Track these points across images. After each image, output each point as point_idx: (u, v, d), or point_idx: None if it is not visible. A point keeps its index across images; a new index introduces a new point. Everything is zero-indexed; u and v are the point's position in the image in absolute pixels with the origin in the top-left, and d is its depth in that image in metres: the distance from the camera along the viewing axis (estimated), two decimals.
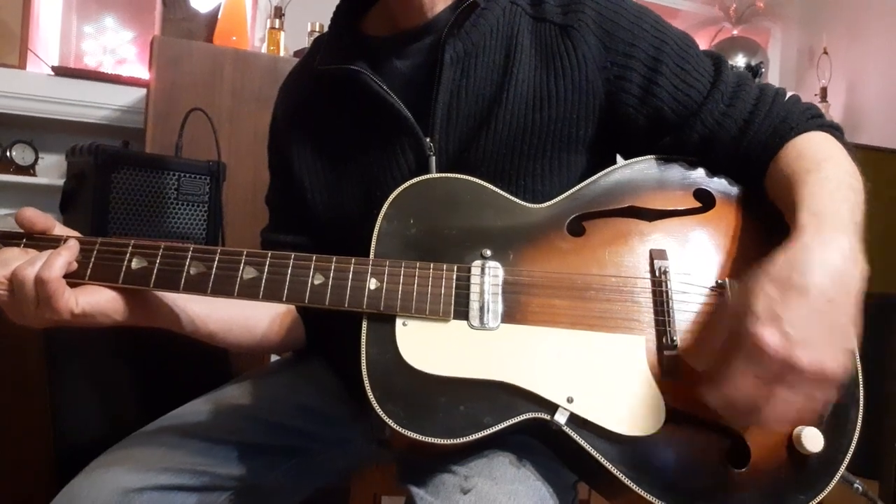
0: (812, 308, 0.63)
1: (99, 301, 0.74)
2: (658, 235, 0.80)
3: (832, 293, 0.64)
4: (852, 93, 2.74)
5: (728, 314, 0.69)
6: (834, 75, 2.74)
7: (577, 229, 0.81)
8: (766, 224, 0.80)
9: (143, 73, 2.01)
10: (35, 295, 0.71)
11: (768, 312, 0.63)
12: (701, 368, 0.70)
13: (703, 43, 2.80)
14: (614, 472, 0.69)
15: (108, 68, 2.28)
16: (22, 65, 2.11)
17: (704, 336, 0.73)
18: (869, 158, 2.09)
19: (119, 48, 2.34)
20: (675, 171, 0.85)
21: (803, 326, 0.62)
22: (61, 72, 2.10)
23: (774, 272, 0.66)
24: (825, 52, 2.76)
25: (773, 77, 3.00)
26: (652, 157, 0.86)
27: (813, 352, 0.62)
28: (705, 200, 0.83)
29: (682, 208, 0.82)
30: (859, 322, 0.65)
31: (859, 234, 0.70)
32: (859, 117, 2.69)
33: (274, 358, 1.18)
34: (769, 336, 0.62)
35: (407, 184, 0.80)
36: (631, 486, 0.68)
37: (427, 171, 0.88)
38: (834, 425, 0.73)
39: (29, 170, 2.07)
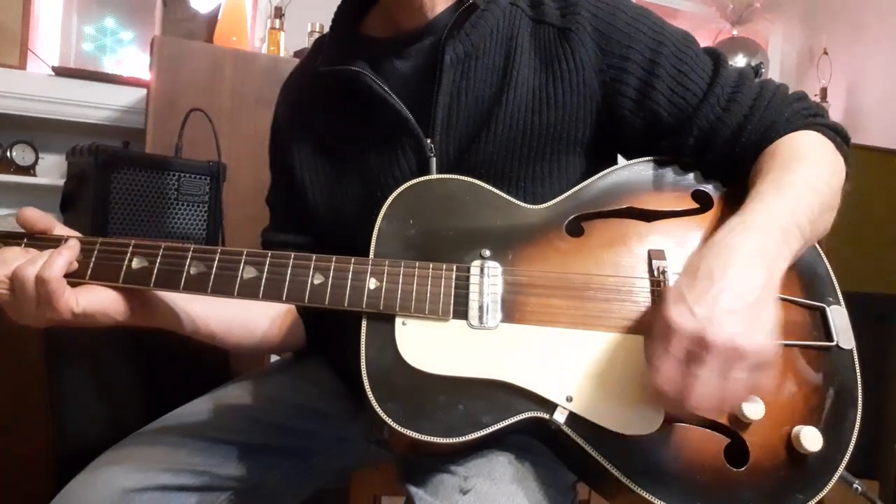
0: (717, 288, 0.65)
1: (99, 301, 0.75)
2: (656, 236, 0.80)
3: (736, 278, 0.66)
4: (852, 93, 2.74)
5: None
6: (834, 75, 2.74)
7: (575, 230, 0.81)
8: None
9: (144, 73, 2.01)
10: (36, 294, 0.71)
11: (676, 295, 0.66)
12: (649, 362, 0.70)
13: (703, 43, 2.79)
14: (613, 471, 0.69)
15: (109, 68, 2.28)
16: (22, 65, 2.11)
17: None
18: (869, 158, 2.10)
19: (119, 48, 2.34)
20: (674, 173, 0.85)
21: (710, 304, 0.64)
22: (61, 72, 2.10)
23: (686, 265, 0.69)
24: (825, 53, 2.76)
25: (772, 77, 2.97)
26: (650, 158, 0.86)
27: (723, 325, 0.63)
28: (703, 201, 0.83)
29: (680, 209, 0.82)
30: (772, 307, 0.66)
31: (790, 232, 0.72)
32: (859, 117, 2.69)
33: (274, 358, 1.19)
34: (676, 315, 0.64)
35: (406, 185, 0.81)
36: (629, 485, 0.68)
37: (427, 173, 0.88)
38: (833, 425, 0.73)
39: (29, 170, 2.08)
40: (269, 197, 1.06)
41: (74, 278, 0.74)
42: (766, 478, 0.71)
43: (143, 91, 1.96)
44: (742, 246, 0.68)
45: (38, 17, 2.20)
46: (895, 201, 1.94)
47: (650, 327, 0.69)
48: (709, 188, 0.84)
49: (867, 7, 2.72)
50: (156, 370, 1.27)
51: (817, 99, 2.69)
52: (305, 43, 2.14)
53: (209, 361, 1.17)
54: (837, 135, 0.84)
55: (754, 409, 0.71)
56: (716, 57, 0.88)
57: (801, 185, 0.75)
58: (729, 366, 0.64)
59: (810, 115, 0.83)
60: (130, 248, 0.76)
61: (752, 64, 2.65)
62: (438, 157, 0.88)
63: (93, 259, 0.75)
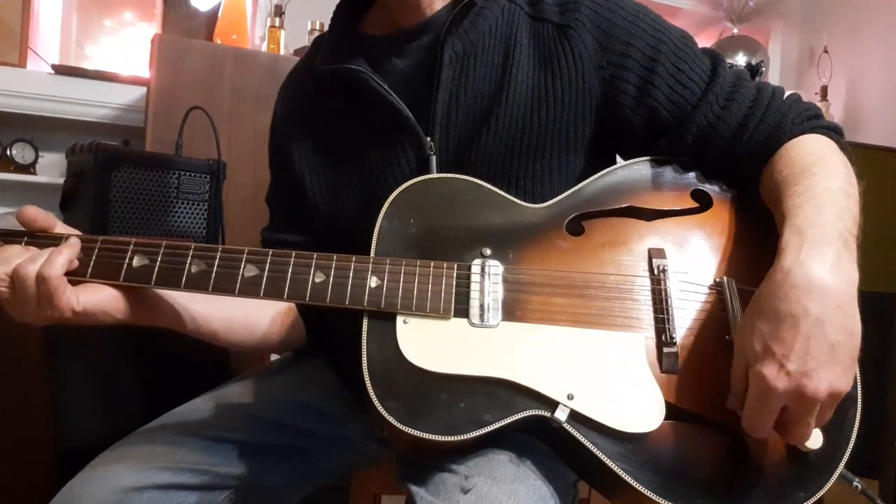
0: (805, 336, 0.64)
1: (100, 299, 0.74)
2: (656, 235, 0.81)
3: (821, 314, 0.64)
4: (852, 92, 2.74)
5: (735, 357, 0.70)
6: (834, 74, 2.74)
7: (576, 229, 0.81)
8: (761, 223, 0.80)
9: (144, 71, 2.01)
10: (36, 292, 0.71)
11: (765, 350, 0.65)
12: (732, 407, 0.71)
13: (704, 42, 2.79)
14: (614, 468, 0.69)
15: (109, 67, 2.28)
16: (22, 63, 2.11)
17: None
18: (869, 158, 2.10)
19: (119, 46, 2.34)
20: (673, 172, 0.86)
21: (801, 356, 0.64)
22: (61, 70, 2.09)
23: (761, 306, 0.67)
24: (825, 51, 2.76)
25: (773, 76, 3.00)
26: (650, 157, 0.86)
27: (818, 378, 0.64)
28: (702, 201, 0.83)
29: (680, 208, 0.82)
30: (858, 328, 0.66)
31: (847, 240, 0.70)
32: (859, 117, 2.69)
33: (274, 357, 1.19)
34: (772, 376, 0.64)
35: (407, 184, 0.81)
36: (631, 482, 0.68)
37: (427, 171, 0.88)
38: (832, 423, 0.73)
39: (29, 168, 2.07)
40: (269, 196, 1.05)
41: (75, 276, 0.74)
42: (767, 476, 0.71)
43: (143, 89, 1.95)
44: (812, 269, 0.66)
45: (37, 15, 2.19)
46: (895, 201, 1.94)
47: (739, 371, 0.69)
48: (708, 188, 0.84)
49: (867, 6, 2.72)
50: (156, 369, 1.27)
51: (817, 98, 2.69)
52: (305, 41, 2.13)
53: (209, 360, 1.17)
54: (839, 136, 0.84)
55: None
56: (713, 57, 0.89)
57: (837, 191, 0.74)
58: (825, 407, 0.66)
59: (812, 118, 0.83)
60: (131, 246, 0.76)
61: (753, 63, 2.65)
62: (438, 155, 0.88)
63: (93, 257, 0.75)
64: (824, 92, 2.70)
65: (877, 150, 2.21)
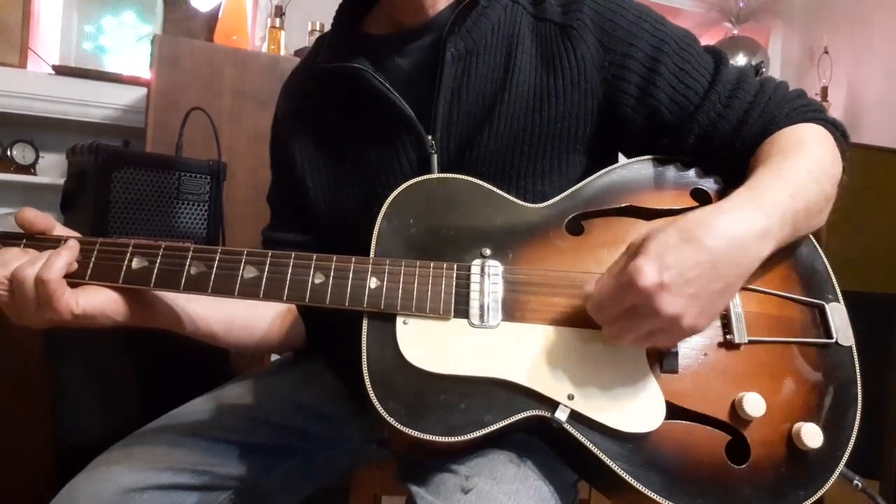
0: (696, 263, 0.65)
1: (99, 301, 0.74)
2: (650, 227, 0.80)
3: (720, 259, 0.66)
4: (853, 92, 2.74)
5: (632, 241, 0.70)
6: (834, 75, 2.74)
7: (575, 228, 0.81)
8: None
9: (144, 72, 2.01)
10: (35, 295, 0.71)
11: (657, 253, 0.65)
12: (587, 288, 0.71)
13: (704, 43, 2.79)
14: (615, 468, 0.69)
15: (109, 67, 2.28)
16: (22, 64, 2.11)
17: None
18: (869, 158, 2.10)
19: (119, 47, 2.34)
20: (673, 171, 0.85)
21: (679, 276, 0.64)
22: (62, 71, 2.10)
23: (682, 222, 0.67)
24: (826, 52, 2.76)
25: (773, 76, 3.00)
26: (649, 157, 0.86)
27: (677, 302, 0.64)
28: (702, 200, 0.83)
29: (680, 207, 0.82)
30: (733, 295, 0.70)
31: (792, 221, 0.72)
32: (859, 117, 2.69)
33: (274, 357, 1.19)
34: (646, 272, 0.64)
35: (406, 184, 0.81)
36: (631, 482, 0.68)
37: (428, 169, 0.88)
38: (833, 422, 0.73)
39: (29, 169, 2.07)
40: (270, 195, 1.05)
41: (74, 279, 0.74)
42: (767, 475, 0.71)
43: (144, 90, 1.95)
44: (742, 221, 0.68)
45: (38, 16, 2.20)
46: (895, 201, 1.94)
47: (628, 247, 0.69)
48: (708, 186, 0.84)
49: (868, 6, 2.71)
50: (156, 369, 1.27)
51: (818, 98, 2.69)
52: (306, 42, 2.14)
53: (209, 361, 1.17)
54: (836, 129, 0.84)
55: (755, 406, 0.71)
56: (716, 56, 0.88)
57: (802, 171, 0.75)
58: (658, 330, 0.66)
59: (811, 111, 0.84)
60: (130, 248, 0.76)
61: (753, 63, 2.65)
62: (439, 154, 0.88)
63: (92, 259, 0.75)
64: (824, 92, 2.70)
65: (877, 150, 2.21)
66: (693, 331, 0.67)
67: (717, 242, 0.66)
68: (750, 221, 0.68)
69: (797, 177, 0.74)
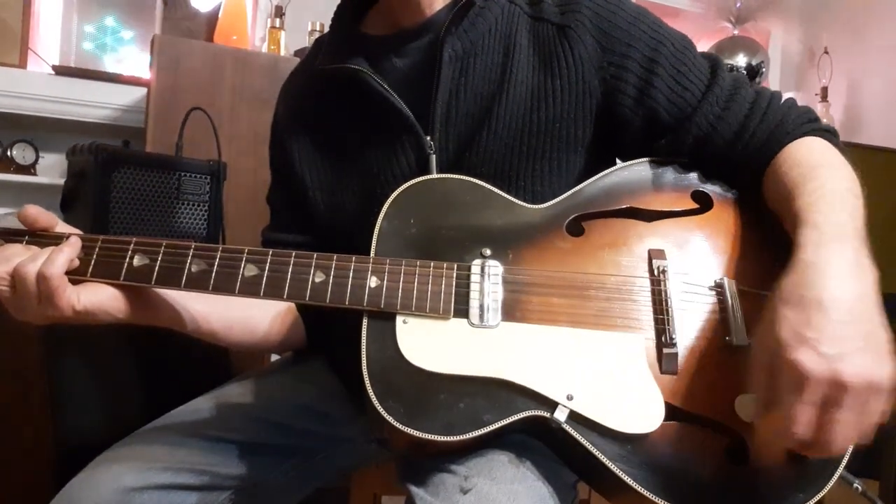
0: (836, 321, 0.61)
1: (101, 298, 0.75)
2: (656, 236, 0.81)
3: (848, 302, 0.63)
4: (853, 93, 2.74)
5: (757, 353, 0.66)
6: (834, 75, 2.74)
7: (576, 229, 0.81)
8: (762, 225, 0.81)
9: (144, 72, 2.01)
10: (37, 291, 0.71)
11: (797, 337, 0.61)
12: (750, 419, 0.69)
13: (704, 43, 2.80)
14: (614, 469, 0.69)
15: (109, 67, 2.28)
16: (22, 64, 2.11)
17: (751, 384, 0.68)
18: (869, 158, 2.10)
19: (119, 47, 2.34)
20: (674, 173, 0.86)
21: (836, 340, 0.60)
22: (62, 71, 2.09)
23: (786, 296, 0.64)
24: (826, 52, 2.76)
25: (773, 76, 3.00)
26: (649, 158, 0.86)
27: (855, 363, 0.60)
28: (703, 202, 0.83)
29: (680, 209, 0.82)
30: (884, 322, 0.63)
31: (861, 238, 0.69)
32: (859, 117, 2.69)
33: (274, 357, 1.19)
34: (807, 360, 0.60)
35: (407, 184, 0.81)
36: (630, 483, 0.68)
37: (427, 170, 0.88)
38: None
39: (29, 169, 2.07)
40: (270, 196, 1.06)
41: (76, 275, 0.74)
42: (767, 476, 0.71)
43: (144, 90, 1.95)
44: (835, 261, 0.65)
45: (38, 16, 2.19)
46: (895, 201, 1.93)
47: (761, 372, 0.64)
48: (708, 188, 0.84)
49: (868, 7, 2.71)
50: (156, 369, 1.27)
51: (817, 99, 2.69)
52: (306, 42, 2.14)
53: (210, 360, 1.17)
54: (834, 136, 0.84)
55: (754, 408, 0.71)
56: (712, 61, 0.89)
57: (845, 192, 0.74)
58: (867, 401, 0.61)
59: (809, 121, 0.84)
60: (132, 245, 0.76)
61: (753, 63, 2.65)
62: (438, 155, 0.88)
63: (94, 256, 0.75)
64: (824, 93, 2.70)
65: (877, 150, 2.21)
66: (890, 378, 0.61)
67: (835, 291, 0.63)
68: (840, 256, 0.65)
69: (844, 198, 0.73)
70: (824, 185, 0.74)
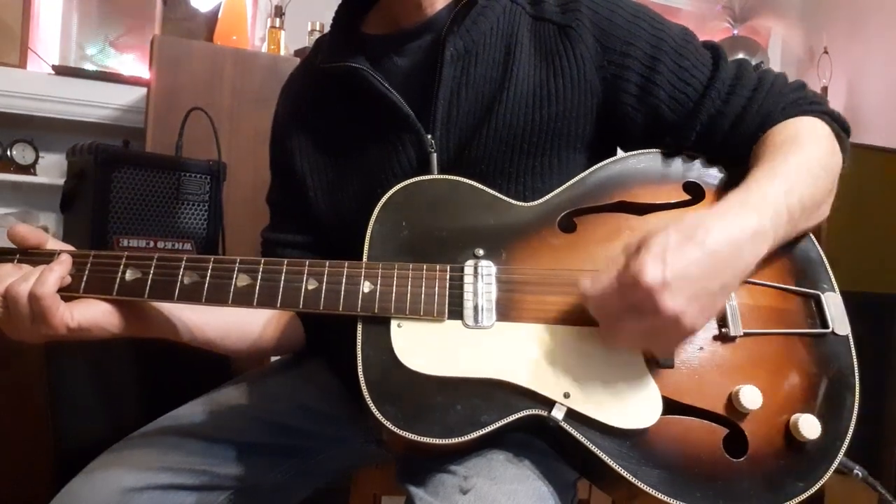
0: (696, 263, 0.65)
1: (94, 314, 0.75)
2: (649, 229, 0.80)
3: (719, 260, 0.66)
4: (852, 92, 2.74)
5: (629, 241, 0.70)
6: (834, 74, 2.73)
7: (568, 226, 0.81)
8: None
9: (144, 72, 2.01)
10: (30, 311, 0.71)
11: (660, 253, 0.65)
12: (583, 286, 0.71)
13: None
14: (613, 465, 0.69)
15: (109, 67, 2.28)
16: (22, 64, 2.11)
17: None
18: (869, 158, 2.10)
19: (119, 47, 2.34)
20: (664, 165, 0.85)
21: (681, 276, 0.64)
22: (61, 71, 2.09)
23: (681, 224, 0.68)
24: (825, 52, 2.76)
25: (772, 69, 3.00)
26: (641, 151, 0.86)
27: (678, 300, 0.64)
28: (694, 193, 0.83)
29: (672, 201, 0.82)
30: (730, 295, 0.71)
31: (787, 214, 0.73)
32: (859, 117, 2.68)
33: (274, 358, 1.19)
34: (650, 270, 0.64)
35: (397, 187, 0.81)
36: (630, 478, 0.68)
37: (428, 168, 0.88)
38: (831, 412, 0.73)
39: (29, 169, 2.07)
40: (270, 196, 1.06)
41: (68, 292, 0.74)
42: (766, 467, 0.71)
43: (144, 90, 1.95)
44: (737, 223, 0.68)
45: (38, 15, 2.19)
46: (895, 201, 1.93)
47: (626, 246, 0.69)
48: (700, 179, 0.84)
49: (867, 6, 2.71)
50: (156, 371, 1.27)
51: None
52: (306, 42, 2.13)
53: (209, 362, 1.17)
54: (835, 121, 0.84)
55: (752, 399, 0.71)
56: (715, 51, 0.89)
57: (795, 167, 0.75)
58: (658, 328, 0.66)
59: (808, 103, 0.84)
60: (123, 259, 0.76)
61: (753, 63, 2.64)
62: (439, 153, 0.88)
63: (86, 272, 0.75)
64: (824, 92, 2.70)
65: (877, 150, 2.21)
66: (692, 330, 0.67)
67: (716, 243, 0.66)
68: (744, 221, 0.69)
69: (789, 172, 0.75)
70: (779, 157, 0.76)
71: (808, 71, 2.91)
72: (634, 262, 0.65)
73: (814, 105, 0.84)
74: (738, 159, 0.83)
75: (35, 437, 1.26)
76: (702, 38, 0.91)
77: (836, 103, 2.71)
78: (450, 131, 0.89)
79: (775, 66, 3.03)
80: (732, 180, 0.84)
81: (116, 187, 1.41)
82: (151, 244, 1.43)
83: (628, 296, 0.66)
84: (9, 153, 2.03)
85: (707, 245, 0.66)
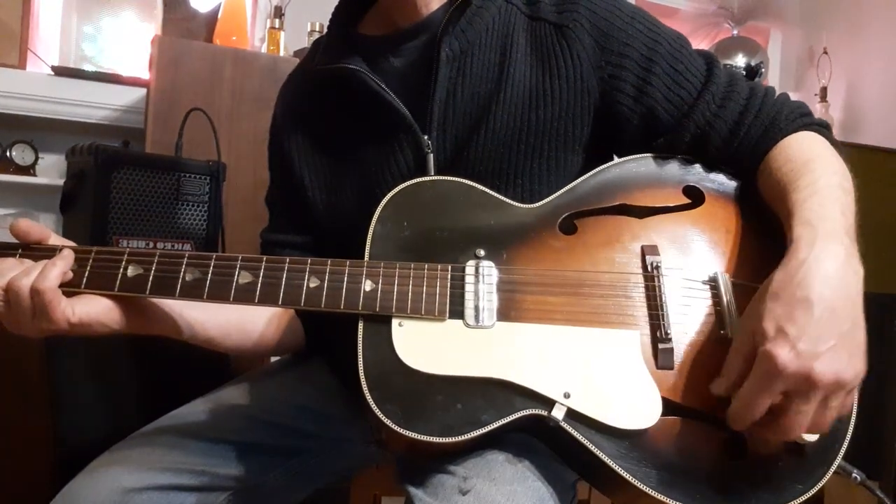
0: (818, 320, 0.64)
1: (95, 310, 0.74)
2: (649, 232, 0.81)
3: (834, 302, 0.65)
4: (852, 93, 2.74)
5: (738, 339, 0.70)
6: (834, 75, 2.74)
7: (569, 228, 0.81)
8: (754, 218, 0.82)
9: (143, 72, 2.01)
10: (31, 305, 0.71)
11: (777, 330, 0.64)
12: (718, 391, 0.70)
13: (703, 43, 2.79)
14: (613, 466, 0.69)
15: (108, 68, 2.28)
16: (22, 65, 2.11)
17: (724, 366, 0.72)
18: (869, 158, 2.10)
19: (119, 48, 2.34)
20: (665, 169, 0.86)
21: (813, 339, 0.63)
22: (61, 72, 2.09)
23: (775, 290, 0.67)
24: (825, 52, 2.76)
25: (772, 77, 3.00)
26: (641, 155, 0.87)
27: (826, 362, 0.63)
28: (695, 197, 0.84)
29: (673, 205, 0.83)
30: (863, 322, 0.67)
31: (853, 235, 0.71)
32: (859, 117, 2.69)
33: (274, 358, 1.19)
34: (782, 354, 0.63)
35: (399, 187, 0.81)
36: (629, 479, 0.68)
37: (425, 169, 0.88)
38: None
39: (29, 170, 2.07)
40: (269, 197, 1.06)
41: (70, 288, 0.74)
42: (765, 469, 0.71)
43: (143, 91, 1.96)
44: (826, 260, 0.67)
45: (37, 16, 2.19)
46: (895, 201, 1.93)
47: (740, 355, 0.68)
48: (700, 183, 0.85)
49: (867, 7, 2.71)
50: (156, 371, 1.27)
51: (817, 98, 2.69)
52: (305, 43, 2.14)
53: (209, 362, 1.17)
54: (827, 131, 0.85)
55: None
56: (708, 58, 0.90)
57: (837, 188, 0.75)
58: (830, 397, 0.65)
59: (802, 115, 0.85)
60: (125, 256, 0.76)
61: (752, 64, 2.65)
62: (436, 154, 0.89)
63: (88, 268, 0.75)
64: (824, 93, 2.70)
65: (877, 150, 2.21)
66: (857, 378, 0.66)
67: (822, 290, 0.65)
68: (833, 255, 0.68)
69: (835, 194, 0.74)
70: (817, 180, 0.75)
71: (808, 71, 2.91)
72: (762, 353, 0.64)
73: (807, 117, 0.85)
74: (737, 166, 0.84)
75: (35, 438, 1.26)
76: (701, 38, 0.92)
77: (835, 104, 2.71)
78: (446, 132, 0.89)
79: (775, 66, 3.03)
80: (732, 185, 0.85)
81: (116, 188, 1.41)
82: (151, 245, 1.43)
83: (776, 388, 0.64)
84: (8, 154, 2.03)
85: (815, 297, 0.65)
